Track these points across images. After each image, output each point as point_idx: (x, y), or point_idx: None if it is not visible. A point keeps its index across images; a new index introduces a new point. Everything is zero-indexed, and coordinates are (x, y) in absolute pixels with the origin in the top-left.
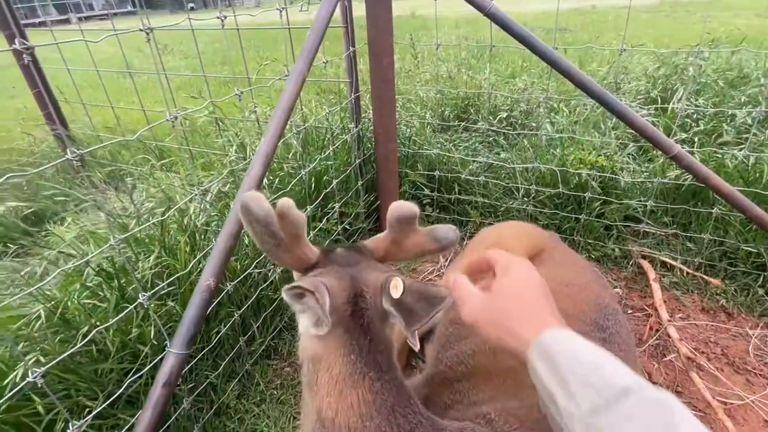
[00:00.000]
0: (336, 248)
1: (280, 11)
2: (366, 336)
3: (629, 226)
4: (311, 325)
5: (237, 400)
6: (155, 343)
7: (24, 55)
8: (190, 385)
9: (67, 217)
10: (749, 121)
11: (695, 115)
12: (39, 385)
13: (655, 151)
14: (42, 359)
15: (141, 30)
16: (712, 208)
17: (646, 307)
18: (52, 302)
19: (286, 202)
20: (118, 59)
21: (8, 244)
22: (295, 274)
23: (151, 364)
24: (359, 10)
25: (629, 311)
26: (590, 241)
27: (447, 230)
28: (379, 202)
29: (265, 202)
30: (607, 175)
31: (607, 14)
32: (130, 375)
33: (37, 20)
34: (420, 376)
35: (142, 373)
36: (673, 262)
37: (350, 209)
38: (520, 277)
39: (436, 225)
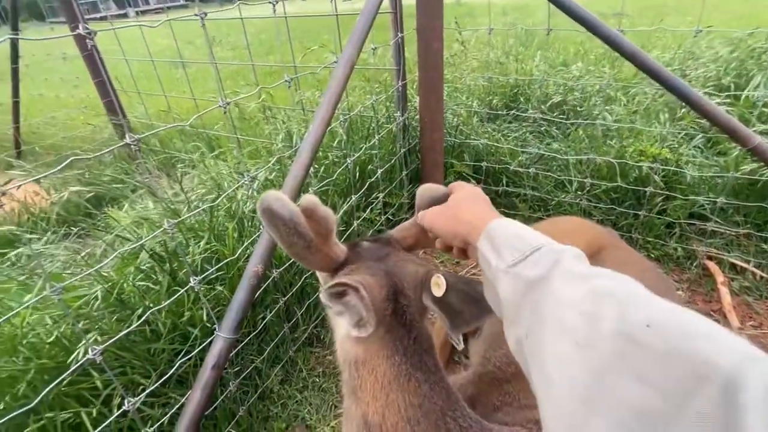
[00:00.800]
0: (362, 242)
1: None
2: (409, 335)
3: (694, 224)
4: (352, 326)
5: (280, 386)
6: (207, 325)
7: (87, 41)
8: (236, 369)
9: (123, 202)
10: None
11: None
12: (98, 362)
13: (728, 143)
14: (99, 338)
15: (196, 15)
16: None
17: (712, 312)
18: (109, 283)
19: (312, 199)
20: (170, 51)
21: (71, 227)
22: (321, 276)
23: (201, 347)
24: None
25: None
26: (650, 239)
27: None
28: None
29: (288, 201)
30: (671, 168)
31: None
32: (180, 356)
33: (98, 15)
34: (466, 374)
35: (191, 354)
36: (745, 265)
37: (394, 199)
38: (470, 191)
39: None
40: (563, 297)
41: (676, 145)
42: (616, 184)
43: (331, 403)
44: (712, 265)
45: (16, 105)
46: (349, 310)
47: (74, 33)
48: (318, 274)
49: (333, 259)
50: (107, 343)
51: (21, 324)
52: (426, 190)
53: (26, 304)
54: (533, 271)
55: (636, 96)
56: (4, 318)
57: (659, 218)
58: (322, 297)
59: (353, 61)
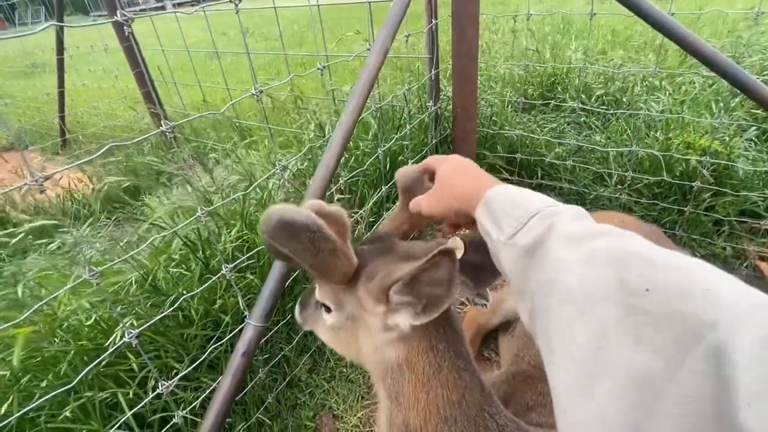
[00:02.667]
0: (361, 247)
1: None
2: (445, 323)
3: (746, 221)
4: (418, 313)
5: (308, 375)
6: (238, 312)
7: (125, 28)
8: (266, 356)
9: (158, 190)
10: None
11: None
12: (134, 345)
13: None
14: (135, 322)
15: (230, 1)
16: None
17: None
18: (144, 270)
19: (316, 201)
20: (205, 43)
21: (109, 216)
22: (326, 295)
23: (232, 334)
24: None
25: None
26: (695, 237)
27: None
28: None
29: (298, 208)
30: (722, 162)
31: None
32: (212, 342)
33: (137, 8)
34: (498, 373)
35: (223, 341)
36: None
37: None
38: (455, 161)
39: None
40: (560, 262)
41: (728, 138)
42: (660, 178)
43: (358, 394)
44: (765, 266)
45: (61, 95)
46: (422, 292)
47: (112, 20)
48: (326, 298)
49: (353, 263)
50: (143, 327)
51: (59, 307)
52: (402, 175)
53: (65, 288)
54: (529, 238)
55: (683, 86)
56: (43, 301)
57: (707, 215)
58: (396, 288)
59: (387, 48)
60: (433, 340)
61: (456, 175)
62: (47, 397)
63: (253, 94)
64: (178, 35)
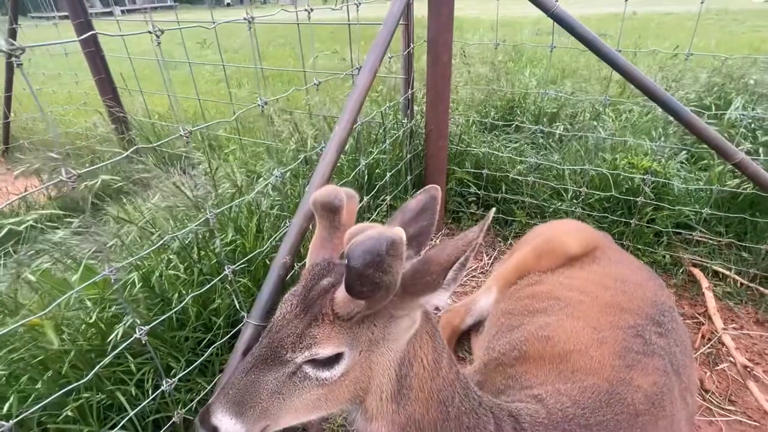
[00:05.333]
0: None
1: (349, 7)
2: (425, 314)
3: (681, 233)
4: (444, 292)
5: None
6: (235, 312)
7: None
8: None
9: (128, 196)
10: None
11: (752, 125)
12: (143, 342)
13: (711, 159)
14: (138, 321)
15: (244, 19)
16: None
17: (698, 315)
18: (143, 270)
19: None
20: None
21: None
22: (336, 342)
23: (227, 336)
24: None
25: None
26: (640, 246)
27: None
28: None
29: (378, 225)
30: (660, 180)
31: (649, 21)
32: (202, 345)
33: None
34: (471, 367)
35: (216, 344)
36: (727, 272)
37: (398, 203)
38: None
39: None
40: None
41: (664, 160)
42: (609, 193)
43: None
44: (697, 272)
45: (8, 99)
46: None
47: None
48: (337, 345)
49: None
50: (152, 324)
51: (65, 306)
52: (323, 195)
53: (83, 285)
54: None
55: (624, 114)
56: (67, 294)
57: (649, 227)
58: (457, 267)
59: (376, 69)
60: (429, 328)
61: None
62: (54, 396)
63: (258, 105)
64: (130, 42)
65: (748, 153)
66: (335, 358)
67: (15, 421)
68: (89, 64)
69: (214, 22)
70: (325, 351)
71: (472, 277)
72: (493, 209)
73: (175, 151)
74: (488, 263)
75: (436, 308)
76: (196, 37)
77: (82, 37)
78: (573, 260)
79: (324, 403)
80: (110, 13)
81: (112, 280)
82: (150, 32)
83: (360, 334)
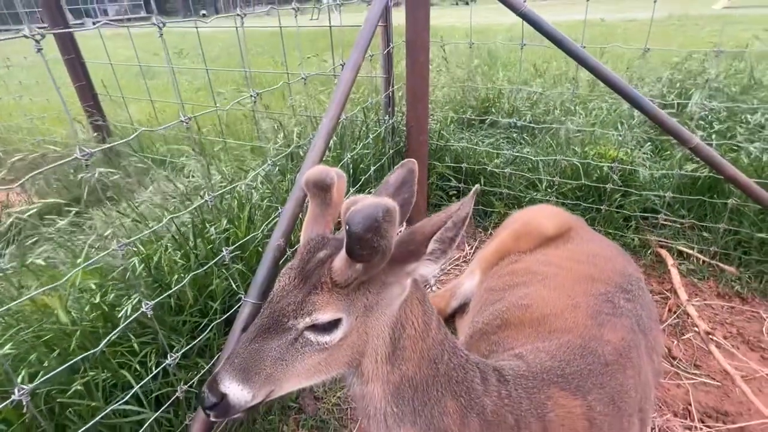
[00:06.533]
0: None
1: (327, 15)
2: (418, 285)
3: (647, 217)
4: (433, 263)
5: None
6: (232, 295)
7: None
8: None
9: (113, 201)
10: (762, 122)
11: (709, 117)
12: (149, 316)
13: (672, 149)
14: (142, 299)
15: (237, 15)
16: (728, 200)
17: (665, 291)
18: (143, 255)
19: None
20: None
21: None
22: (334, 308)
23: (224, 316)
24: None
25: None
26: (610, 231)
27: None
28: None
29: (372, 197)
30: (627, 167)
31: (616, 27)
32: (200, 327)
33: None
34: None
35: (212, 326)
36: (690, 251)
37: None
38: None
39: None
40: None
41: (630, 150)
42: (580, 182)
43: (336, 379)
44: (663, 252)
45: None
46: (444, 237)
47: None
48: (335, 312)
49: None
50: (157, 299)
51: (70, 286)
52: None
53: (86, 264)
54: None
55: (593, 110)
56: (78, 267)
57: (618, 212)
58: (438, 236)
59: (359, 65)
60: (419, 294)
61: None
62: (62, 368)
63: (251, 108)
64: (103, 53)
65: (703, 140)
66: (334, 323)
67: (29, 389)
68: (69, 72)
69: (197, 27)
70: (324, 316)
71: (455, 266)
72: (477, 185)
73: (160, 157)
74: (470, 253)
75: (426, 283)
76: (173, 48)
77: (77, 29)
78: (549, 241)
79: (324, 367)
80: (82, 25)
81: (120, 256)
82: (155, 24)
83: (356, 301)
